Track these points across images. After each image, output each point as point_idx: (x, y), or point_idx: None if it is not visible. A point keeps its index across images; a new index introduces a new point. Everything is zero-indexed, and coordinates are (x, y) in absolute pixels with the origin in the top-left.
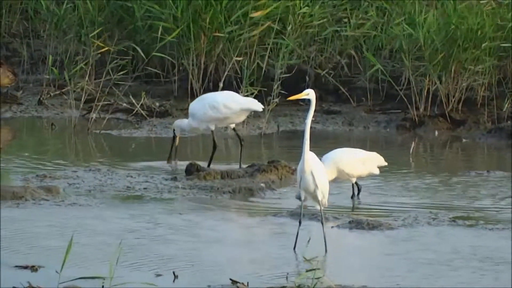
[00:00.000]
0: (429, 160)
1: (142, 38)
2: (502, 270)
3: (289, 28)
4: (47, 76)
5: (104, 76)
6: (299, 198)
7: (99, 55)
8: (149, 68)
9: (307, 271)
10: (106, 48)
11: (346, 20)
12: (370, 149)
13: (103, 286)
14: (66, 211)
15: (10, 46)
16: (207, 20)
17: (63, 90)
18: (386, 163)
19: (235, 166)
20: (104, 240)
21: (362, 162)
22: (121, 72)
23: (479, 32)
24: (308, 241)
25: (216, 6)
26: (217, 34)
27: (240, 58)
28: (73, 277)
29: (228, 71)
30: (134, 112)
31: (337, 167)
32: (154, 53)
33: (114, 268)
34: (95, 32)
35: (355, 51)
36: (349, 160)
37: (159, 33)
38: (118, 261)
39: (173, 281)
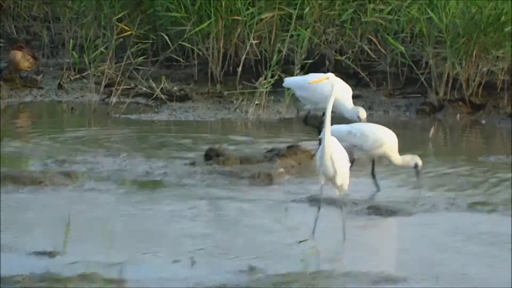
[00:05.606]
0: (448, 144)
1: (161, 22)
2: None
3: (306, 10)
4: (68, 60)
5: (124, 60)
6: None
7: (121, 39)
8: (170, 54)
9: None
10: (129, 32)
11: (365, 4)
12: None
13: (121, 272)
14: (85, 196)
15: (31, 29)
16: (223, 3)
17: (83, 74)
18: None
19: (255, 151)
20: (122, 225)
21: None
22: (142, 57)
23: (501, 18)
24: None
25: None
26: (235, 17)
27: (256, 41)
28: (90, 262)
29: (248, 55)
30: (154, 96)
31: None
32: (180, 42)
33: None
34: (118, 16)
35: (375, 35)
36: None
37: (176, 21)
38: (135, 247)
39: (191, 266)
